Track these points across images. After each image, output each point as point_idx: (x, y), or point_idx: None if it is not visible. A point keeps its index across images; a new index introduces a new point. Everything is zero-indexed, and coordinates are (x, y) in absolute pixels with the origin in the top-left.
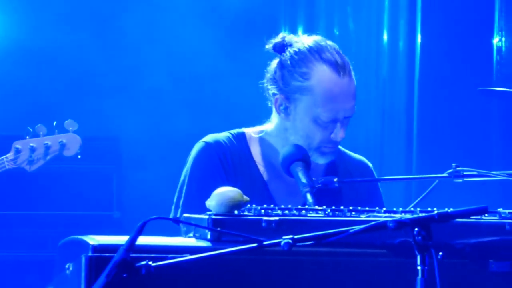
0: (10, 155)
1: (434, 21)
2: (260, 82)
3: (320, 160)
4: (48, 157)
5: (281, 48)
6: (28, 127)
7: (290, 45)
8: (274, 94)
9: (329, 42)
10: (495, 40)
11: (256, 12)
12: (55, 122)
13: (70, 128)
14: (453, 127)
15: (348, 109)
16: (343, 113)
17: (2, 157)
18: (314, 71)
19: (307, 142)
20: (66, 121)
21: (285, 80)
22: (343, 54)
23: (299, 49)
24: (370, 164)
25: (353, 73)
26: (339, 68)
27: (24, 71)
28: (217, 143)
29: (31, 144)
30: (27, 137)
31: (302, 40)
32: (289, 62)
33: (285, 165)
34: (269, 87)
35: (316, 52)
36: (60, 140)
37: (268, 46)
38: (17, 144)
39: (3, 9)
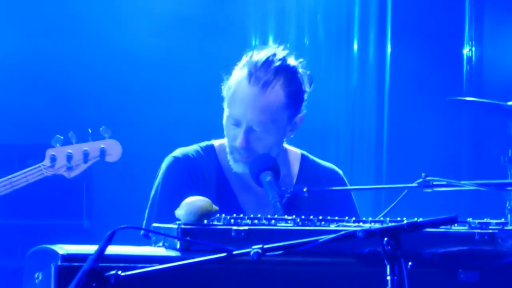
0: (46, 163)
1: (404, 31)
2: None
3: (235, 167)
4: (89, 163)
5: None
6: (57, 135)
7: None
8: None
9: (278, 56)
10: (465, 50)
11: (226, 21)
12: (90, 129)
13: (106, 135)
14: (423, 136)
15: (250, 119)
16: (245, 121)
17: (39, 165)
18: (235, 73)
19: (227, 146)
20: (101, 128)
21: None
22: (277, 73)
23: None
24: (340, 172)
25: (277, 91)
26: (253, 76)
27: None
28: (185, 157)
29: (68, 151)
30: (57, 144)
31: (262, 51)
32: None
33: (254, 175)
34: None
35: (248, 57)
36: (102, 146)
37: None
38: (52, 152)
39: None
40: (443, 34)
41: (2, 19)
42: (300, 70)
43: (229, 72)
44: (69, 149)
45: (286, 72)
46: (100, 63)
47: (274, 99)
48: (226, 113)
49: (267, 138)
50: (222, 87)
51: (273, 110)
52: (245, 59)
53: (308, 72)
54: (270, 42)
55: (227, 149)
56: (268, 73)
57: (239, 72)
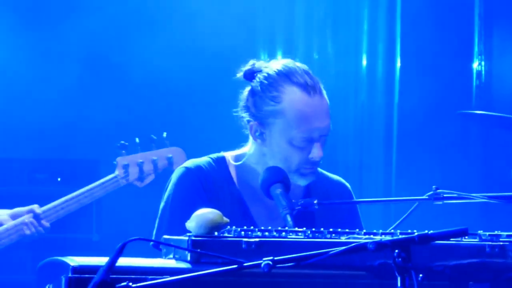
0: (120, 173)
1: (413, 45)
2: (234, 110)
3: (301, 182)
4: (158, 172)
5: (251, 75)
6: (122, 141)
7: (260, 71)
8: (248, 121)
9: (298, 64)
10: (475, 64)
11: (234, 36)
12: (154, 136)
13: (167, 142)
14: (433, 150)
15: (323, 128)
16: (318, 132)
17: (113, 175)
18: (284, 93)
19: (286, 165)
20: (164, 134)
21: (257, 106)
22: (313, 74)
23: (268, 74)
24: (348, 185)
25: (324, 92)
26: (308, 88)
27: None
28: (197, 168)
29: (139, 160)
30: (123, 151)
31: (271, 65)
32: (259, 88)
33: (265, 188)
34: (243, 115)
35: (284, 75)
36: (168, 155)
37: (239, 74)
38: (124, 161)
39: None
40: (452, 48)
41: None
42: None
43: (240, 86)
44: (139, 158)
45: (309, 71)
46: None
47: (327, 99)
48: (284, 135)
49: (326, 141)
50: (242, 113)
51: (329, 109)
52: (278, 79)
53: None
54: (279, 57)
55: (288, 169)
56: (311, 77)
57: (290, 92)
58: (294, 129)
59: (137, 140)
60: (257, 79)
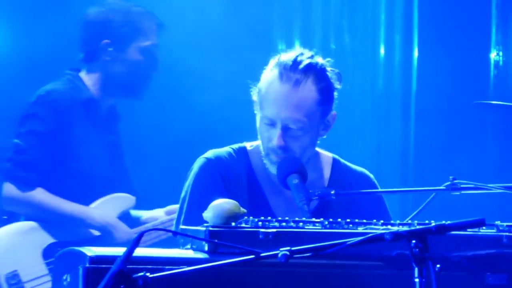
0: None
1: (430, 35)
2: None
3: (271, 169)
4: None
5: None
6: None
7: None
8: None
9: (306, 54)
10: (492, 55)
11: (251, 26)
12: None
13: None
14: (450, 140)
15: (285, 117)
16: (280, 119)
17: None
18: (266, 74)
19: (262, 148)
20: None
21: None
22: (310, 64)
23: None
24: (371, 176)
25: (309, 87)
26: (284, 74)
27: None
28: (218, 158)
29: None
30: None
31: (289, 52)
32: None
33: (281, 178)
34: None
35: (277, 59)
36: None
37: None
38: None
39: None
40: (469, 38)
41: None
42: (328, 68)
43: (256, 77)
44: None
45: (316, 69)
46: None
47: (307, 95)
48: (259, 115)
49: (303, 136)
50: (251, 93)
51: (307, 106)
52: (273, 61)
53: (337, 70)
54: (296, 47)
55: (263, 152)
56: (299, 71)
57: (270, 73)
58: (262, 109)
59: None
60: None
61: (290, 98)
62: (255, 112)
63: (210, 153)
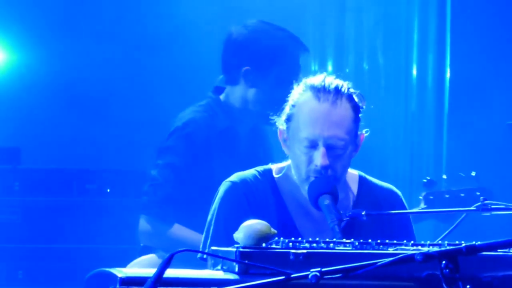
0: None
1: (463, 56)
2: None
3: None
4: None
5: None
6: (428, 177)
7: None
8: (277, 127)
9: (331, 78)
10: None
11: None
12: (462, 173)
13: (474, 181)
14: (482, 161)
15: (328, 137)
16: (322, 139)
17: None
18: (299, 98)
19: (298, 173)
20: (473, 173)
21: (283, 111)
22: (341, 85)
23: (298, 84)
24: (399, 193)
25: (344, 105)
26: (320, 94)
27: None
28: (243, 182)
29: (446, 196)
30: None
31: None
32: (288, 96)
33: (313, 198)
34: (276, 120)
35: (305, 83)
36: (476, 193)
37: None
38: (430, 196)
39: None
40: (503, 59)
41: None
42: (351, 89)
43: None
44: (446, 194)
45: (344, 90)
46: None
47: (345, 113)
48: (295, 139)
49: (344, 155)
50: (277, 120)
51: (346, 123)
52: (301, 86)
53: (358, 92)
54: (329, 67)
55: (299, 178)
56: (333, 90)
57: (303, 96)
58: (301, 131)
59: (444, 176)
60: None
61: (330, 116)
62: (282, 139)
63: (235, 177)
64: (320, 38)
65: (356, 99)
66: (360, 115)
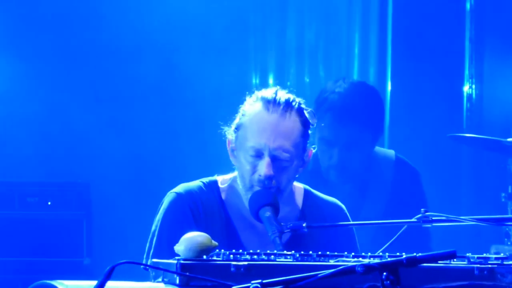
0: None
1: (404, 69)
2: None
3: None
4: None
5: None
6: None
7: None
8: (226, 137)
9: (284, 92)
10: (466, 88)
11: (226, 59)
12: None
13: None
14: (423, 172)
15: (274, 147)
16: (268, 149)
17: None
18: (249, 108)
19: (242, 183)
20: None
21: (234, 121)
22: (293, 99)
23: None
24: (343, 206)
25: (294, 118)
26: (270, 104)
27: None
28: (188, 193)
29: None
30: None
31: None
32: (240, 107)
33: (254, 210)
34: (226, 131)
35: (257, 94)
36: None
37: None
38: None
39: None
40: (443, 72)
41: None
42: (303, 105)
43: (232, 110)
44: None
45: (295, 104)
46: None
47: (294, 125)
48: (242, 148)
49: (289, 168)
50: (226, 130)
51: (294, 136)
52: (253, 97)
53: (310, 109)
54: (271, 80)
55: (244, 187)
56: (283, 103)
57: (253, 107)
58: (248, 140)
59: None
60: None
61: (278, 127)
62: (230, 148)
63: (180, 188)
64: (262, 50)
65: (306, 115)
66: (309, 131)
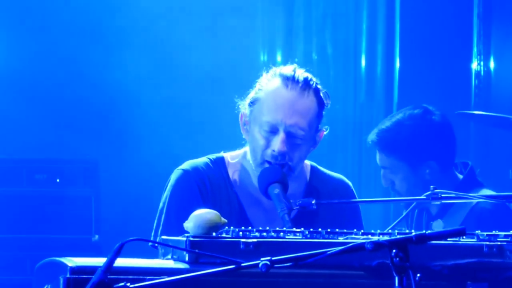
0: None
1: (412, 46)
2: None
3: None
4: None
5: None
6: None
7: None
8: (239, 113)
9: (300, 70)
10: (474, 65)
11: (234, 36)
12: None
13: None
14: None
15: (290, 124)
16: (283, 125)
17: None
18: (266, 83)
19: (254, 156)
20: None
21: (247, 96)
22: (312, 79)
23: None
24: (349, 183)
25: (311, 96)
26: (288, 81)
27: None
28: (195, 170)
29: None
30: None
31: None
32: (256, 82)
33: (263, 187)
34: (240, 106)
35: (275, 70)
36: None
37: None
38: None
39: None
40: (451, 49)
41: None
42: (319, 86)
43: (240, 87)
44: None
45: (313, 83)
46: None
47: (310, 104)
48: (256, 122)
49: (302, 146)
50: (240, 104)
51: (310, 115)
52: (271, 72)
53: (325, 90)
54: (279, 57)
55: (255, 162)
56: (302, 81)
57: (271, 82)
58: (263, 115)
59: None
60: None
61: (295, 104)
62: (243, 122)
63: (187, 165)
64: (269, 28)
65: (322, 95)
66: (323, 112)
